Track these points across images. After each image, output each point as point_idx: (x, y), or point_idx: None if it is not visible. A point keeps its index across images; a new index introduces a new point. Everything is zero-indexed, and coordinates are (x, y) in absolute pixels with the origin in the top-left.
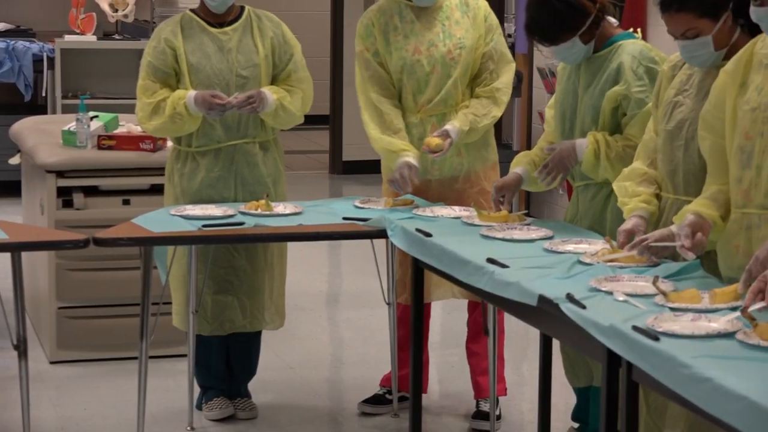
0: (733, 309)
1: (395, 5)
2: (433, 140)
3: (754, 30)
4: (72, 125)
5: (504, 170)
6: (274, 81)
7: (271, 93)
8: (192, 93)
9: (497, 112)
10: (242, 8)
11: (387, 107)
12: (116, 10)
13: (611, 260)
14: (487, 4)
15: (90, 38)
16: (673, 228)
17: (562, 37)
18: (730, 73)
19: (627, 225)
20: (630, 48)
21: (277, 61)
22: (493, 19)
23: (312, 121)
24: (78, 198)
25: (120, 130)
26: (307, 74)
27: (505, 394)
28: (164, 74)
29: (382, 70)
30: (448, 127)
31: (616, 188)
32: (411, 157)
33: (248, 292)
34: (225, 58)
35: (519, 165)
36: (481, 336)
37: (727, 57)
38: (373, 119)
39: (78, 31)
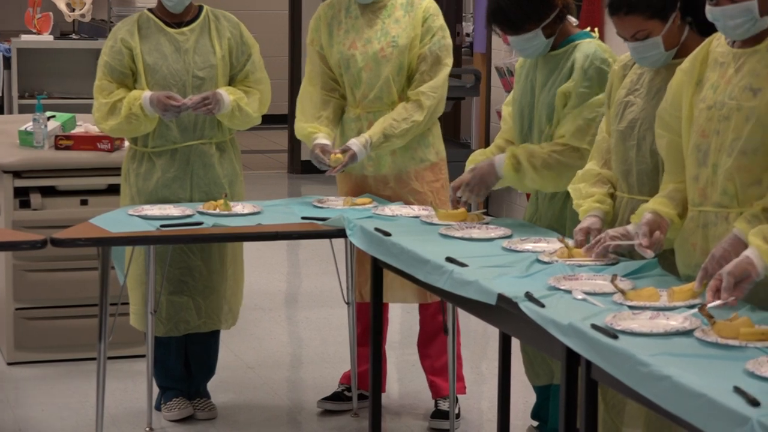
0: (691, 307)
1: (345, 0)
2: (332, 156)
3: (702, 28)
4: (29, 125)
5: (462, 169)
6: (231, 81)
7: (227, 94)
8: (147, 94)
9: (419, 117)
10: (200, 8)
11: (316, 97)
12: (73, 10)
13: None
14: (433, 5)
15: (47, 38)
16: (630, 227)
17: (527, 27)
18: (686, 72)
19: (583, 224)
20: (585, 47)
21: (235, 62)
22: (435, 21)
23: (270, 120)
24: (35, 198)
25: (77, 130)
26: (264, 75)
27: (465, 393)
28: (121, 74)
29: (323, 64)
30: (352, 140)
31: (571, 191)
32: (321, 138)
33: (203, 293)
34: (182, 58)
35: (474, 163)
36: (431, 337)
37: (678, 56)
38: (300, 110)
39: (34, 30)
